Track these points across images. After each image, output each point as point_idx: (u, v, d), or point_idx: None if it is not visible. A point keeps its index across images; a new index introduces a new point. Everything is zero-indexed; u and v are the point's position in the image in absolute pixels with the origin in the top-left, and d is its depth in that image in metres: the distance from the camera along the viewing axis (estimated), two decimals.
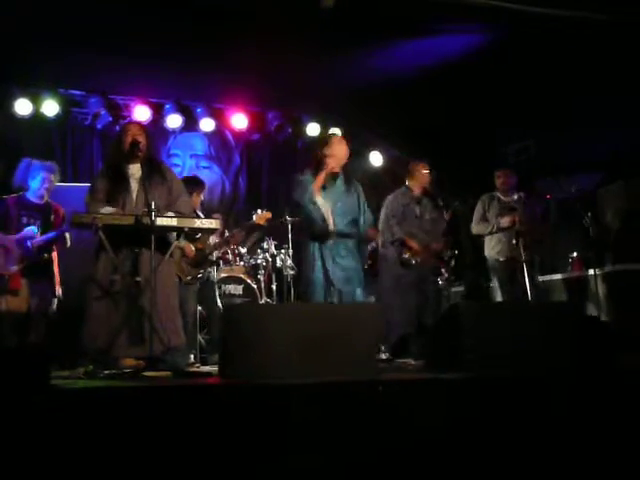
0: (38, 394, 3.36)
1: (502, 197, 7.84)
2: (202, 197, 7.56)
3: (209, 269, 7.56)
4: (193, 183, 7.34)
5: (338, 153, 6.14)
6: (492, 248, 7.80)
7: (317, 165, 6.12)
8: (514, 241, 7.34)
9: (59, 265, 6.86)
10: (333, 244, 6.03)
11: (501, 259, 7.67)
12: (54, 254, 6.79)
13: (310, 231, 6.12)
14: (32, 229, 6.61)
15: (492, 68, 7.72)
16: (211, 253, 7.46)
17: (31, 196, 6.78)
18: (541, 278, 8.17)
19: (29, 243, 6.55)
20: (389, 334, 6.93)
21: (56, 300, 6.76)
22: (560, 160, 8.39)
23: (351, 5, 6.66)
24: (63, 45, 7.18)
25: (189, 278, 7.01)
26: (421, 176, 7.25)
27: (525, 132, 9.11)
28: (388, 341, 6.95)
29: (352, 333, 4.70)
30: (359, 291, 6.11)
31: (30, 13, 6.72)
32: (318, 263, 6.02)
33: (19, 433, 3.21)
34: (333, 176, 6.15)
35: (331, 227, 6.03)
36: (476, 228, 7.88)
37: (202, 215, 7.31)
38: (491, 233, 7.71)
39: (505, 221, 7.54)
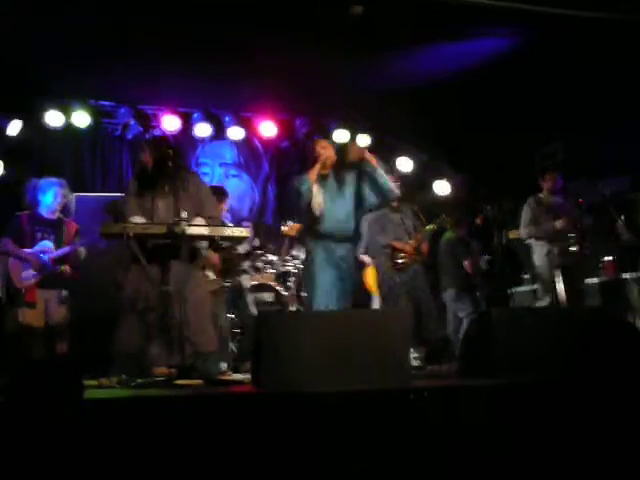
0: (72, 407, 3.38)
1: (545, 200, 7.74)
2: (225, 206, 7.56)
3: (238, 277, 7.57)
4: (216, 193, 7.39)
5: (326, 154, 6.29)
6: (544, 252, 7.66)
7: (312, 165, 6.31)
8: (569, 244, 7.33)
9: (75, 275, 6.93)
10: (331, 246, 6.16)
11: (554, 263, 7.54)
12: (67, 267, 6.86)
13: (305, 219, 6.29)
14: (47, 243, 6.71)
15: (521, 71, 7.68)
16: (240, 262, 7.50)
17: (44, 211, 6.89)
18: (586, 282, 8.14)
19: (45, 256, 6.65)
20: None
21: (71, 310, 6.83)
22: (591, 163, 8.32)
23: (379, 11, 6.66)
24: (93, 57, 7.23)
25: (216, 287, 7.04)
26: None
27: (555, 135, 9.03)
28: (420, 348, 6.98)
29: (383, 339, 4.69)
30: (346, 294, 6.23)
31: (60, 27, 6.78)
32: (317, 264, 6.15)
33: (54, 446, 3.23)
34: (325, 176, 6.30)
35: (318, 213, 6.15)
36: (526, 230, 7.71)
37: (231, 224, 7.35)
38: (549, 236, 7.56)
39: (559, 224, 7.46)
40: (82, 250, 6.85)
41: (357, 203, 6.33)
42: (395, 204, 7.44)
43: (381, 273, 7.26)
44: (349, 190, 6.32)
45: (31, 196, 6.91)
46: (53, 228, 6.86)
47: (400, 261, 7.11)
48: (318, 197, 6.17)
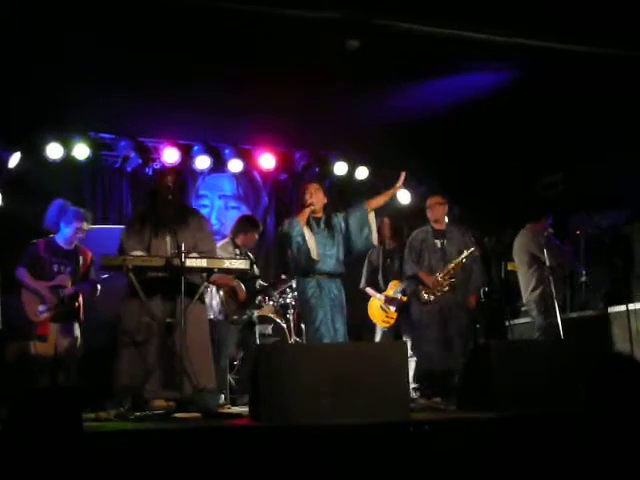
0: (71, 437, 3.37)
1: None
2: (257, 237, 7.65)
3: (251, 310, 7.57)
4: (250, 223, 7.47)
5: (315, 200, 6.48)
6: (530, 285, 7.67)
7: (301, 209, 6.54)
8: (550, 278, 7.31)
9: (83, 307, 6.91)
10: (325, 283, 6.34)
11: (540, 296, 7.54)
12: (80, 300, 6.85)
13: (297, 261, 6.42)
14: (63, 278, 6.67)
15: (521, 104, 7.74)
16: (257, 296, 7.55)
17: (60, 240, 6.78)
18: (572, 314, 8.11)
19: (60, 292, 6.63)
20: (419, 370, 6.99)
21: (81, 343, 6.81)
22: (590, 195, 8.35)
23: (377, 45, 6.72)
24: (93, 89, 7.27)
25: (235, 317, 7.09)
26: (434, 210, 7.28)
27: (555, 167, 9.09)
28: (417, 378, 6.97)
29: (382, 372, 4.70)
30: (343, 330, 6.35)
31: (60, 60, 6.84)
32: (314, 299, 6.29)
33: (52, 478, 3.22)
34: (317, 220, 6.52)
35: (315, 257, 6.31)
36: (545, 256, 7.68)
37: (251, 256, 7.37)
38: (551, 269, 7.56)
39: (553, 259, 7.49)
40: (97, 288, 6.81)
41: (345, 246, 6.54)
42: (441, 227, 7.36)
43: (412, 299, 7.27)
44: (338, 233, 6.51)
45: (54, 220, 6.79)
46: (69, 259, 6.75)
47: (424, 294, 7.06)
48: (311, 242, 6.33)
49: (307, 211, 6.43)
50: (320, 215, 6.54)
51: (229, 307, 7.05)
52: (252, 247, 7.61)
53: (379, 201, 6.62)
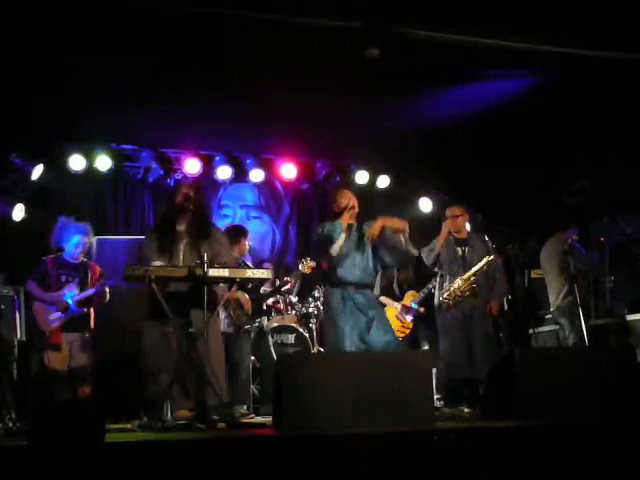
0: (93, 450, 3.38)
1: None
2: (248, 242, 7.61)
3: (260, 318, 7.60)
4: (236, 232, 7.46)
5: (355, 204, 6.25)
6: (562, 292, 7.66)
7: (334, 216, 6.26)
8: (574, 285, 7.29)
9: (96, 318, 6.99)
10: (351, 293, 6.11)
11: (571, 303, 7.52)
12: (91, 308, 6.94)
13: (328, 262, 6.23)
14: (72, 286, 6.77)
15: (542, 111, 7.69)
16: (265, 303, 7.55)
17: (67, 256, 6.99)
18: (597, 322, 8.05)
19: (70, 300, 6.71)
20: (442, 379, 6.96)
21: (95, 353, 6.85)
22: (616, 201, 8.28)
23: (396, 53, 6.71)
24: (114, 101, 7.31)
25: (247, 327, 7.10)
26: (453, 221, 7.25)
27: (580, 173, 9.02)
28: (441, 387, 6.94)
29: (405, 381, 4.68)
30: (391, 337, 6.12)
31: (82, 72, 6.88)
32: (343, 312, 6.09)
33: None
34: (349, 227, 6.26)
35: (334, 253, 6.08)
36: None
37: (251, 264, 7.39)
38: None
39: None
40: (106, 292, 6.90)
41: (374, 258, 6.34)
42: (462, 235, 7.35)
43: (436, 308, 7.23)
44: (367, 243, 6.29)
45: (56, 239, 6.98)
46: (77, 271, 6.94)
47: (443, 299, 7.04)
48: (340, 242, 6.15)
49: (349, 214, 6.19)
50: (353, 222, 6.32)
51: (239, 319, 7.06)
52: (245, 255, 7.60)
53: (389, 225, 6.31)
